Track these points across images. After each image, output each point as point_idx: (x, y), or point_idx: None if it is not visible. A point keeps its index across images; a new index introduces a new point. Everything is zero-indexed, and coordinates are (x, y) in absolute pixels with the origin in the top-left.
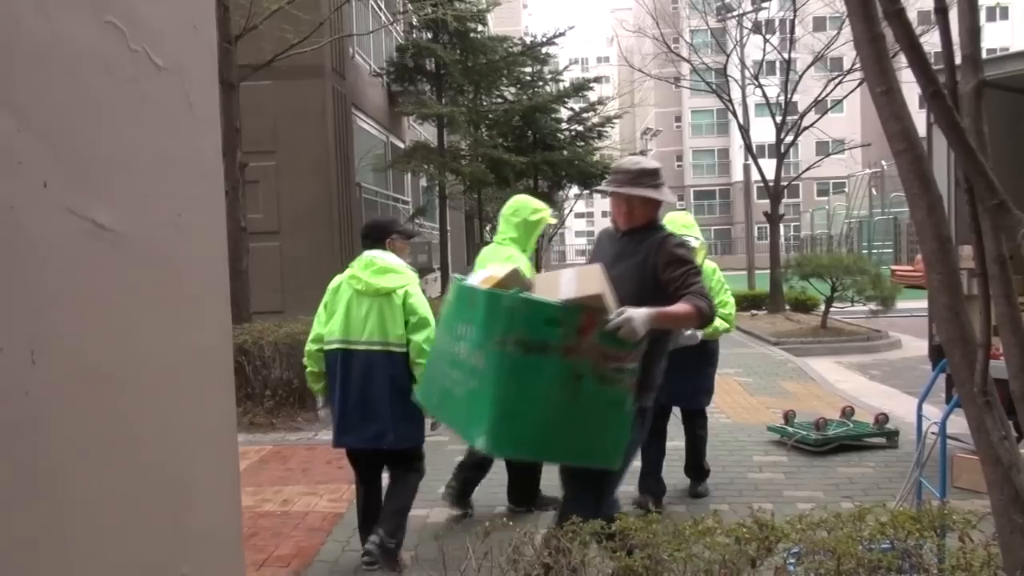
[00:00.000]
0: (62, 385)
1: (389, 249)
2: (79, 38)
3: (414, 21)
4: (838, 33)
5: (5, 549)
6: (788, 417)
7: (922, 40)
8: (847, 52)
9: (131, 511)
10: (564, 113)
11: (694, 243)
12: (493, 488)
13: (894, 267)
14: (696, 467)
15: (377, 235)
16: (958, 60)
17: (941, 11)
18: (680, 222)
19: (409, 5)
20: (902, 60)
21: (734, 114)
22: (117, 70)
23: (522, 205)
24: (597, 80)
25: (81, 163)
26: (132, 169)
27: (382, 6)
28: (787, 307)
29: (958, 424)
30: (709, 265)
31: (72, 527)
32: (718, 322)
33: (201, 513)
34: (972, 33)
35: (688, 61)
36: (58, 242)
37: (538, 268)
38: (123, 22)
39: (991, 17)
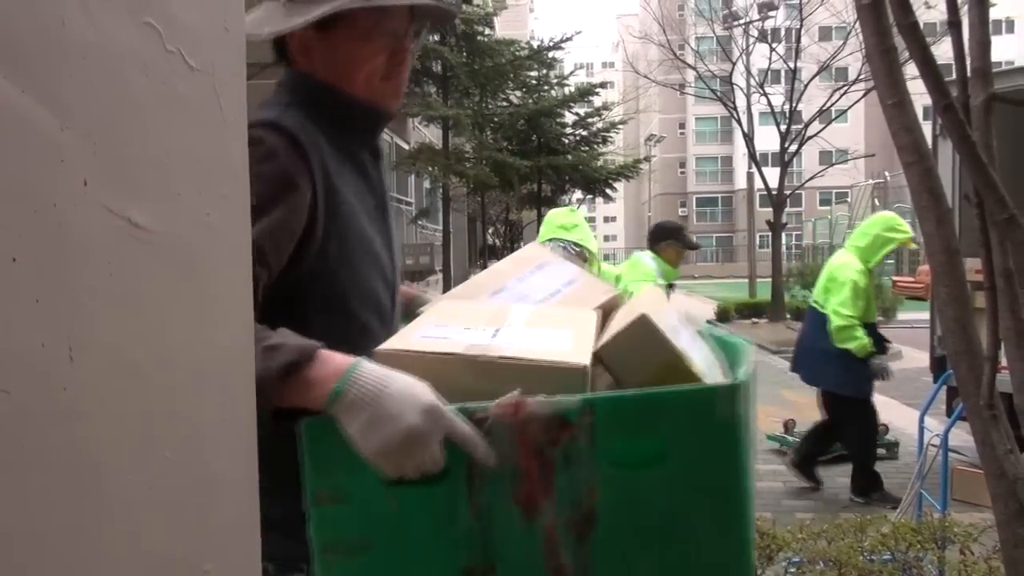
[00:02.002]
0: (98, 382)
1: (660, 253)
2: (119, 38)
3: None
4: (844, 43)
5: (45, 542)
6: (788, 426)
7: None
8: (852, 62)
9: (161, 507)
10: (569, 118)
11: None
12: None
13: (895, 278)
14: None
15: (654, 237)
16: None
17: (954, 24)
18: (559, 222)
19: None
20: (909, 71)
21: (738, 122)
22: (153, 70)
23: (885, 220)
24: (602, 85)
25: (119, 162)
26: (166, 168)
27: None
28: (788, 316)
29: (954, 436)
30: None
31: (107, 522)
32: None
33: (223, 511)
34: (982, 46)
35: (693, 68)
36: (96, 240)
37: None
38: (160, 23)
39: (997, 30)
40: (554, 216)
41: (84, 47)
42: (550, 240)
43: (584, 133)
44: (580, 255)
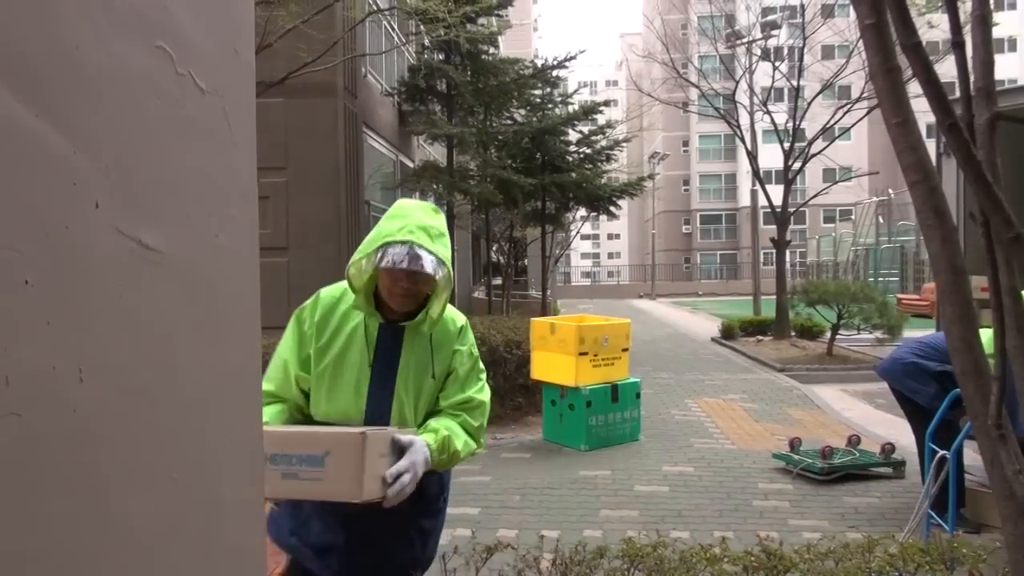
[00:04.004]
0: (108, 404)
1: None
2: (132, 62)
3: (426, 42)
4: (847, 62)
5: (53, 563)
6: (794, 445)
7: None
8: (855, 80)
9: (168, 530)
10: (573, 136)
11: None
12: (495, 511)
13: (900, 296)
14: None
15: None
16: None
17: (958, 44)
18: (424, 222)
19: (422, 27)
20: (912, 89)
21: (742, 140)
22: (165, 93)
23: None
24: (606, 104)
25: (130, 184)
26: (176, 190)
27: (395, 27)
28: (793, 333)
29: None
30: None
31: (115, 546)
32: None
33: (231, 532)
34: (986, 66)
35: (697, 86)
36: (107, 262)
37: (544, 291)
38: (172, 46)
39: (999, 48)
40: (415, 210)
41: (97, 71)
42: (404, 242)
43: (588, 151)
44: (445, 276)
